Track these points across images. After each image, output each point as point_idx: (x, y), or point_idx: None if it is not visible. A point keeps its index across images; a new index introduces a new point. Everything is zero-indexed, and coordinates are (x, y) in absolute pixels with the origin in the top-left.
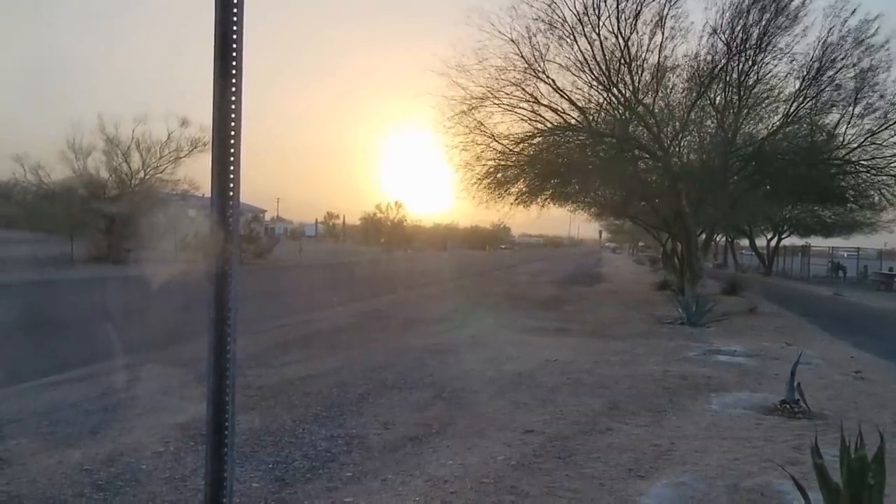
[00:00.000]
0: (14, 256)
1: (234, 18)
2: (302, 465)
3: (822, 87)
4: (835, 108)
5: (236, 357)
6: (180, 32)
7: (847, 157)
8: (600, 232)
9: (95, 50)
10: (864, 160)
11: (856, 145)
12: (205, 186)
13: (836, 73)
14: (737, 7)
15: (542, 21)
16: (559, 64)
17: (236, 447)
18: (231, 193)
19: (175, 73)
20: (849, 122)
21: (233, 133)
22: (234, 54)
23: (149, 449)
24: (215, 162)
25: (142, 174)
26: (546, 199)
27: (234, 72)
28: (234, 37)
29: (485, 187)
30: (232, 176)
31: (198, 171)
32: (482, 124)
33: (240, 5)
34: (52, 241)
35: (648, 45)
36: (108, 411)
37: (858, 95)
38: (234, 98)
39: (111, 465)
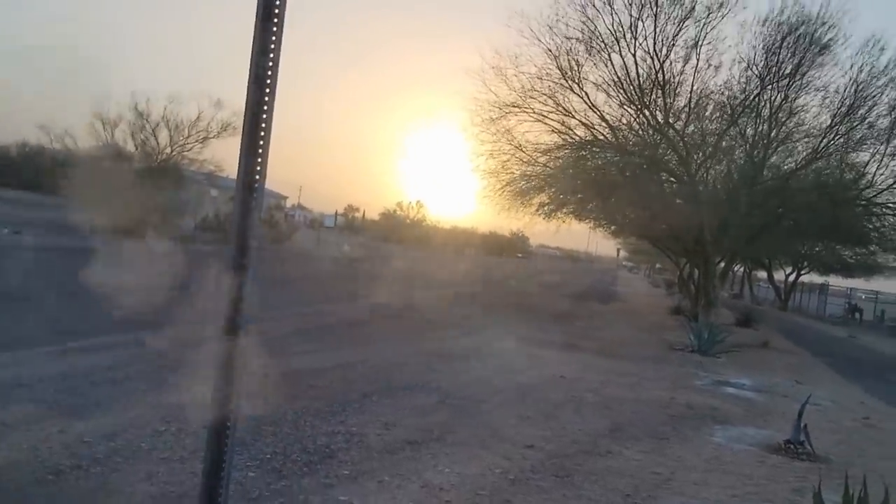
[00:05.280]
0: (30, 219)
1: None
2: (299, 459)
3: (854, 124)
4: (865, 146)
5: (246, 345)
6: (223, 12)
7: (874, 198)
8: (618, 250)
9: (133, 24)
10: (892, 203)
11: (884, 187)
12: (230, 168)
13: (868, 111)
14: (772, 39)
15: (578, 40)
16: (593, 82)
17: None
18: (257, 177)
19: (212, 53)
20: (879, 163)
21: (265, 116)
22: (276, 27)
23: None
24: (244, 143)
25: (169, 150)
26: (568, 213)
27: (272, 44)
28: (277, 9)
29: (508, 195)
30: (260, 160)
31: (226, 153)
32: (510, 132)
33: None
34: (70, 208)
35: (683, 69)
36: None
37: (891, 135)
38: (270, 72)
39: (109, 441)
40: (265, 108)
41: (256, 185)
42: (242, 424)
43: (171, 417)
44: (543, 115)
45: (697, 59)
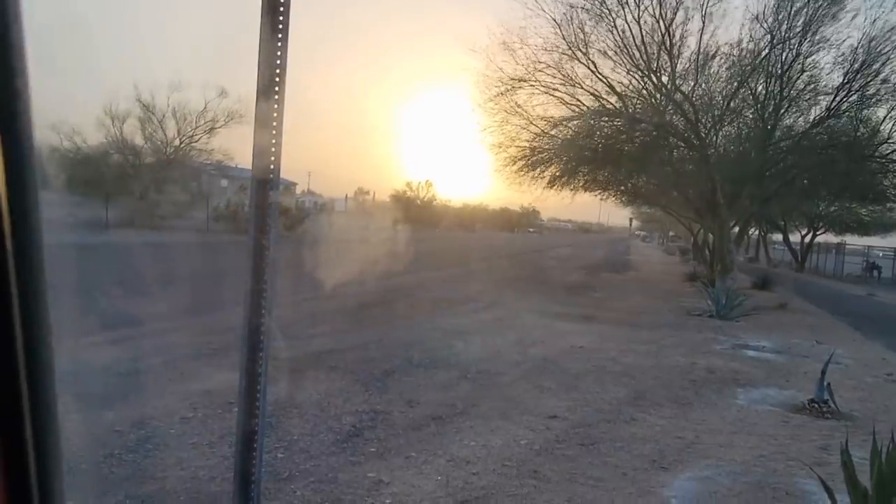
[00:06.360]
0: (49, 218)
1: None
2: (326, 438)
3: (868, 80)
4: (881, 103)
5: (270, 329)
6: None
7: (890, 154)
8: (630, 219)
9: (134, 14)
10: None
11: None
12: (239, 157)
13: (882, 66)
14: None
15: (583, 8)
16: (599, 49)
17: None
18: (272, 166)
19: (214, 42)
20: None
21: (276, 101)
22: (282, 17)
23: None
24: (258, 131)
25: (177, 142)
26: (579, 184)
27: (279, 34)
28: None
29: (518, 168)
30: (273, 148)
31: (233, 142)
32: (520, 106)
33: None
34: (84, 205)
35: (689, 30)
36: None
37: None
38: (279, 61)
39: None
40: (276, 92)
41: (272, 177)
42: (267, 408)
43: None
44: (551, 88)
45: (704, 20)
